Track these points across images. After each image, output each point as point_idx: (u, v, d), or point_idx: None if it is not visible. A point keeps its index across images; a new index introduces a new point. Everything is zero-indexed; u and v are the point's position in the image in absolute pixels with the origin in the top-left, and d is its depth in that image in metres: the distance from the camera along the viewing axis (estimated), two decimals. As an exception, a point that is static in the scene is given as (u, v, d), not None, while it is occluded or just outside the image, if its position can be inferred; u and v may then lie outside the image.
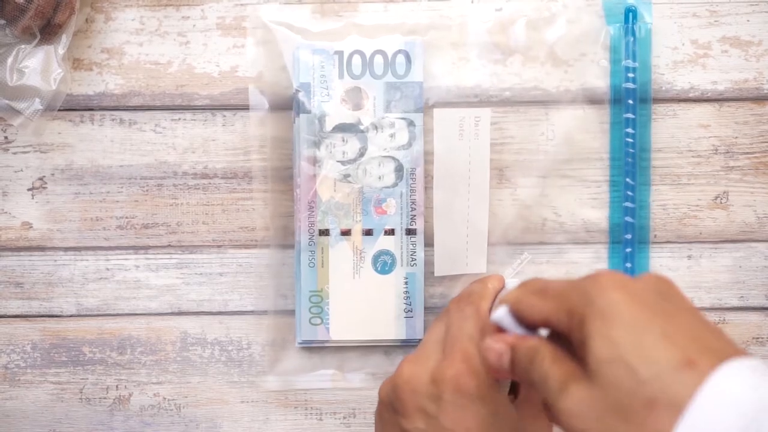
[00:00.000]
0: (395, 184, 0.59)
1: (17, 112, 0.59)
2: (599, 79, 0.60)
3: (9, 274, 0.61)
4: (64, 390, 0.62)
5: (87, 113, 0.61)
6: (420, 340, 0.60)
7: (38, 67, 0.58)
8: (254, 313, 0.62)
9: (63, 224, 0.61)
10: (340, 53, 0.58)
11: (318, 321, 0.59)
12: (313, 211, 0.59)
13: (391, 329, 0.60)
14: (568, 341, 0.41)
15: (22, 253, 0.61)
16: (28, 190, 0.61)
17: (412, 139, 0.59)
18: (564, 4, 0.60)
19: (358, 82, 0.59)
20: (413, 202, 0.59)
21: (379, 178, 0.59)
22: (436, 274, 0.60)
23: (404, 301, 0.59)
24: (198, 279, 0.61)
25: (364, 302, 0.59)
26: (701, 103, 0.61)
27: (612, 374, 0.37)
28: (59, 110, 0.60)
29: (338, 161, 0.59)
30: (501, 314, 0.46)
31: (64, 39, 0.58)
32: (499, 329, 0.47)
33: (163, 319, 0.62)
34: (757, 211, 0.61)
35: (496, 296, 0.55)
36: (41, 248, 0.61)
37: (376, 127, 0.59)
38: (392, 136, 0.59)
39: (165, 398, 0.62)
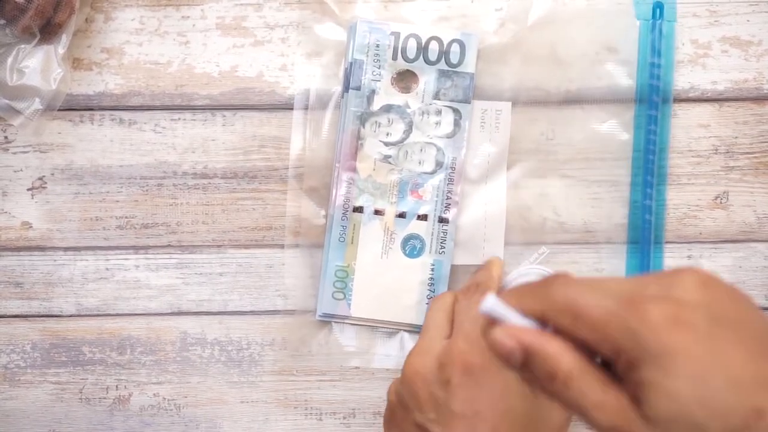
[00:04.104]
0: (434, 172, 0.59)
1: (17, 112, 0.59)
2: (604, 78, 0.60)
3: (9, 273, 0.61)
4: (63, 390, 0.62)
5: (87, 113, 0.61)
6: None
7: (38, 66, 0.58)
8: (254, 313, 0.61)
9: (63, 224, 0.61)
10: (396, 34, 0.58)
11: (341, 296, 0.59)
12: (350, 187, 0.59)
13: (412, 314, 0.60)
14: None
15: (21, 253, 0.61)
16: (28, 189, 0.61)
17: (457, 129, 0.59)
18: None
19: (411, 65, 0.58)
20: (449, 192, 0.59)
21: (420, 163, 0.59)
22: (453, 263, 0.60)
23: (428, 288, 0.59)
24: (198, 279, 0.61)
25: (389, 283, 0.59)
26: (701, 103, 0.61)
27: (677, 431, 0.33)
28: (59, 110, 0.60)
29: (381, 141, 0.59)
30: (491, 304, 0.36)
31: (64, 39, 0.58)
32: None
33: (162, 319, 0.62)
34: (756, 211, 0.61)
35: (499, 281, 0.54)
36: (41, 248, 0.61)
37: (423, 113, 0.59)
38: (438, 123, 0.59)
39: (165, 398, 0.62)
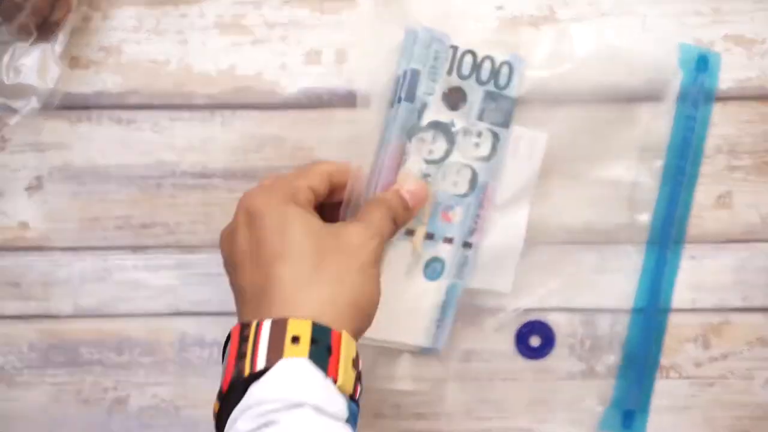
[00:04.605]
0: (466, 195, 0.57)
1: (14, 111, 0.59)
2: (637, 124, 0.60)
3: (6, 274, 0.61)
4: (61, 391, 0.62)
5: (84, 112, 0.60)
6: (438, 349, 0.59)
7: (35, 65, 0.57)
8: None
9: (60, 224, 0.61)
10: (455, 48, 0.55)
11: None
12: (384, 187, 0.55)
13: (419, 336, 0.58)
14: None
15: (19, 253, 0.61)
16: (25, 189, 0.61)
17: (493, 153, 0.57)
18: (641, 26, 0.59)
19: (464, 82, 0.56)
20: (477, 216, 0.57)
21: (454, 184, 0.57)
22: (463, 286, 0.59)
23: (439, 310, 0.58)
24: (197, 279, 0.61)
25: (403, 304, 0.57)
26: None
27: None
28: (56, 109, 0.60)
29: (424, 159, 0.56)
30: None
31: (61, 37, 0.58)
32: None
33: (161, 320, 0.61)
34: (760, 211, 0.61)
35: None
36: (39, 248, 0.61)
37: (465, 133, 0.56)
38: (477, 145, 0.56)
39: (163, 400, 0.62)
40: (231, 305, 0.61)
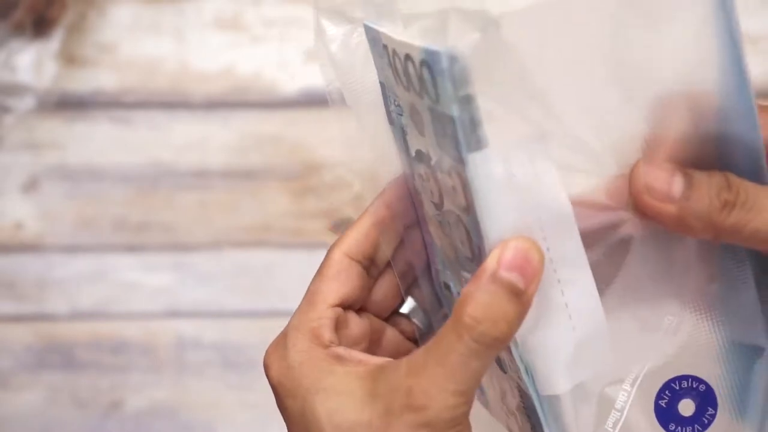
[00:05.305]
0: (472, 260, 0.35)
1: (9, 110, 0.58)
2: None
3: (0, 274, 0.61)
4: (57, 394, 0.61)
5: (80, 111, 0.60)
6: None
7: (30, 63, 0.57)
8: (253, 315, 0.61)
9: (56, 224, 0.61)
10: (385, 48, 0.34)
11: None
12: (433, 255, 0.39)
13: None
14: None
15: (14, 254, 0.61)
16: (20, 189, 0.60)
17: (470, 203, 0.33)
18: None
19: (410, 96, 0.34)
20: None
21: (461, 243, 0.35)
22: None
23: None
24: (194, 280, 0.61)
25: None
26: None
27: None
28: (52, 107, 0.59)
29: (432, 202, 0.36)
30: None
31: (57, 35, 0.58)
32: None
33: (158, 321, 0.61)
34: (765, 210, 0.60)
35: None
36: (34, 248, 0.61)
37: (441, 170, 0.34)
38: (454, 189, 0.33)
39: (161, 402, 0.61)
40: (229, 306, 0.61)
